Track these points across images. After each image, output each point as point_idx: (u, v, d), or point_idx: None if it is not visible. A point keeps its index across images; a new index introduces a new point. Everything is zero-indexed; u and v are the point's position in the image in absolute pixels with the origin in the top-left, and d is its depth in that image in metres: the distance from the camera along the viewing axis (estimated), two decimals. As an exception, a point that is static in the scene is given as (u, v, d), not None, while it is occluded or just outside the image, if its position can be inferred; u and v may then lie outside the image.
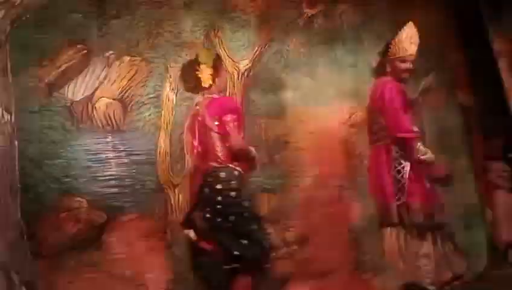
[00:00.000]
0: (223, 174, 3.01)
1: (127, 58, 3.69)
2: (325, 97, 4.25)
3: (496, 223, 4.38)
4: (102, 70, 3.61)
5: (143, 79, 3.71)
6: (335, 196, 4.11)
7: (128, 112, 3.64)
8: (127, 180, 3.51)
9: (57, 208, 3.33)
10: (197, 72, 3.16)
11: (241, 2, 4.09)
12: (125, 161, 3.54)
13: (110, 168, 3.50)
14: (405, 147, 3.24)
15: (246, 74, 4.01)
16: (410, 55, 3.40)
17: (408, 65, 3.41)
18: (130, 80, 3.67)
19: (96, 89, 3.59)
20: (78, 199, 3.39)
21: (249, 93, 3.97)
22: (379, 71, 3.54)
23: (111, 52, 3.65)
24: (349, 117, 4.27)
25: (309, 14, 4.32)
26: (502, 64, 4.44)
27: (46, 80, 3.45)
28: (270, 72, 4.11)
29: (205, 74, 3.16)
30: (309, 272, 3.87)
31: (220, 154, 3.04)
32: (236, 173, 3.05)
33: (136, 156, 3.57)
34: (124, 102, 3.64)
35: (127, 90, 3.66)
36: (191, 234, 3.05)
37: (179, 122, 3.71)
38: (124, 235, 3.43)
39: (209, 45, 3.89)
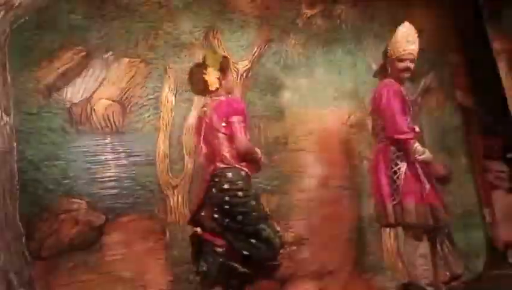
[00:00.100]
0: (229, 175, 3.02)
1: (126, 60, 3.67)
2: (324, 98, 4.26)
3: (494, 223, 4.39)
4: (101, 71, 3.60)
5: (142, 80, 3.70)
6: (335, 196, 4.12)
7: (127, 114, 3.63)
8: (126, 181, 3.50)
9: (56, 209, 3.32)
10: (204, 75, 3.17)
11: (240, 3, 4.09)
12: (124, 162, 3.53)
13: (109, 169, 3.49)
14: (402, 148, 3.24)
15: (245, 74, 4.01)
16: (409, 54, 3.38)
17: (407, 64, 3.38)
18: (129, 81, 3.66)
19: (95, 91, 3.57)
20: (77, 200, 3.38)
21: (247, 94, 3.97)
22: (381, 73, 3.53)
23: (110, 53, 3.63)
24: (349, 117, 4.28)
25: (308, 15, 4.32)
26: (502, 64, 4.45)
27: (45, 82, 3.44)
28: (269, 72, 4.11)
29: (212, 77, 3.16)
30: (309, 272, 3.88)
31: (226, 155, 3.05)
32: (243, 173, 3.06)
33: (135, 157, 3.56)
34: (123, 103, 3.63)
35: (126, 92, 3.65)
36: (198, 230, 3.06)
37: (178, 124, 3.72)
38: (123, 236, 3.43)
39: (209, 46, 3.89)
